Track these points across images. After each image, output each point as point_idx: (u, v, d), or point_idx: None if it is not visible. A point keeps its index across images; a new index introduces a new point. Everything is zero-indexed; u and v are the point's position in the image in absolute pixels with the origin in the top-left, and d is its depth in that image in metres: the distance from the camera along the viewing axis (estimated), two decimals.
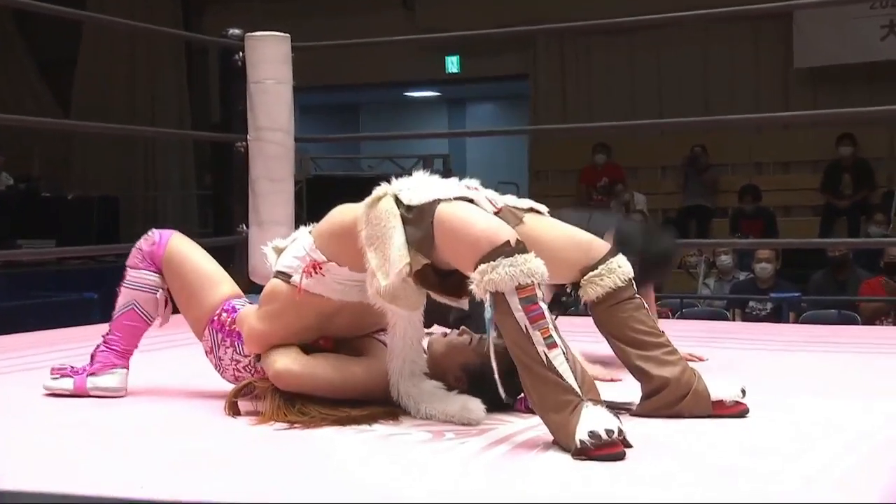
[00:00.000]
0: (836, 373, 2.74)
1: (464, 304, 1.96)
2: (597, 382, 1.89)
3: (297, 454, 1.76)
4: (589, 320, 2.13)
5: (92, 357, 2.28)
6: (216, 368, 2.24)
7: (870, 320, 5.82)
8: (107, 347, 2.28)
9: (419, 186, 1.97)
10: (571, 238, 2.08)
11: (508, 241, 1.80)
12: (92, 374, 2.26)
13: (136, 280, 2.26)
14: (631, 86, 10.28)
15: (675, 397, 2.01)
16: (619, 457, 1.68)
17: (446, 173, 2.28)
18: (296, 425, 1.94)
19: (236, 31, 4.15)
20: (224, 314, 2.20)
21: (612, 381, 2.42)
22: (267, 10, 10.02)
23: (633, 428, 1.90)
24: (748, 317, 6.17)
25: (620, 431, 1.70)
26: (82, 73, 11.66)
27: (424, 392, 1.99)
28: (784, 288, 6.27)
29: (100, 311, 5.98)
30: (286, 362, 2.02)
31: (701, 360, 2.82)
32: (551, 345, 1.76)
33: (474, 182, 2.07)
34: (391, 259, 1.89)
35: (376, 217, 1.93)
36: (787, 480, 1.58)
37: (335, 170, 11.49)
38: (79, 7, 5.81)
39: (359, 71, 10.87)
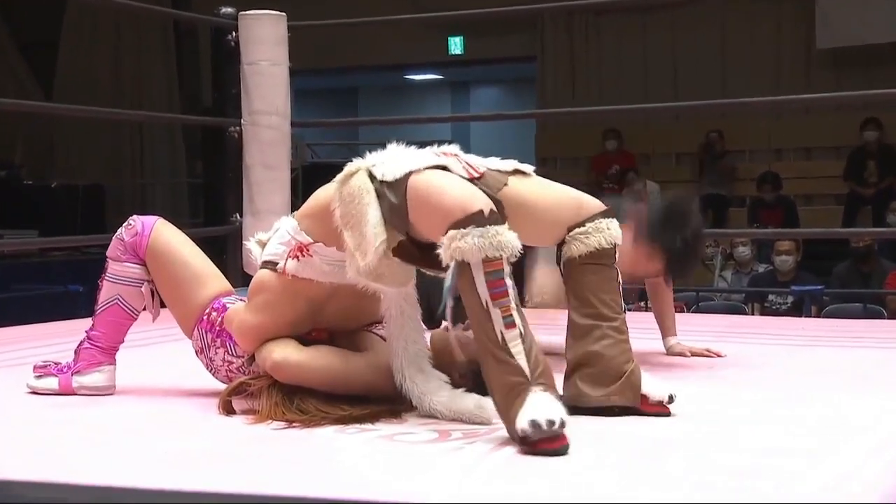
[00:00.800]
0: (861, 369, 2.73)
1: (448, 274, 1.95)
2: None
3: (296, 453, 1.76)
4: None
5: (76, 354, 2.27)
6: (207, 369, 2.23)
7: None
8: (91, 344, 2.27)
9: (392, 159, 1.98)
10: (560, 198, 2.08)
11: (482, 211, 1.80)
12: (77, 372, 2.25)
13: (119, 273, 2.24)
14: (644, 68, 10.27)
15: (606, 378, 1.99)
16: (562, 451, 1.68)
17: None
18: (294, 424, 1.93)
19: (229, 10, 4.14)
20: (213, 313, 2.19)
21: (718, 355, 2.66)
22: None
23: (644, 429, 1.91)
24: (768, 311, 6.17)
25: (563, 423, 1.69)
26: (65, 54, 11.65)
27: (431, 383, 1.99)
28: (805, 280, 6.27)
29: (85, 304, 5.97)
30: (284, 352, 2.02)
31: (719, 355, 2.82)
32: (510, 324, 1.77)
33: (453, 148, 2.07)
34: (367, 237, 1.90)
35: (349, 194, 1.94)
36: (812, 481, 1.57)
37: (332, 157, 11.48)
38: None
39: (357, 52, 10.87)
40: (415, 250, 1.92)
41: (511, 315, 1.78)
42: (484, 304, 1.78)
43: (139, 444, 1.83)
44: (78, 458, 1.73)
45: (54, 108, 8.54)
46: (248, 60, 4.01)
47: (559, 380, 1.95)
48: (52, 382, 2.26)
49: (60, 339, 2.87)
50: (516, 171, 2.07)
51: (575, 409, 1.94)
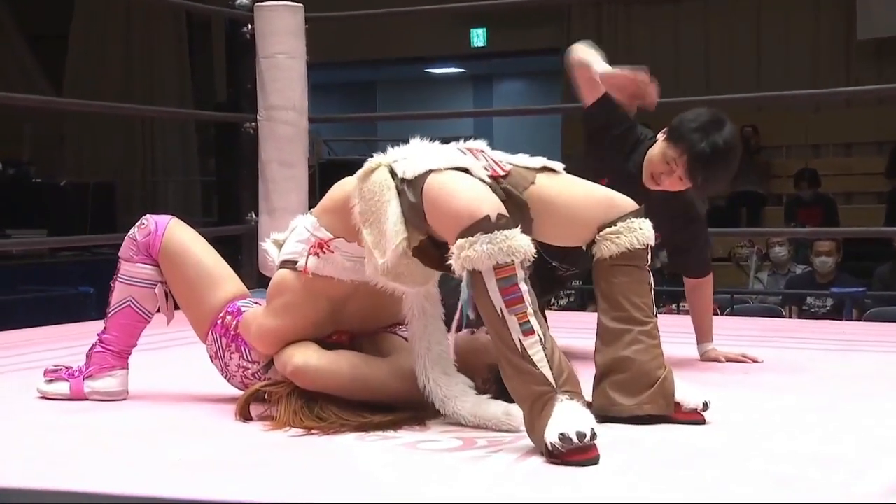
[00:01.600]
0: None
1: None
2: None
3: (314, 461, 1.77)
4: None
5: (87, 358, 2.29)
6: (222, 374, 2.24)
7: None
8: (103, 348, 2.28)
9: (414, 156, 1.98)
10: (589, 196, 2.06)
11: (489, 216, 1.80)
12: (89, 376, 2.27)
13: (131, 274, 2.26)
14: (675, 60, 10.23)
15: (638, 385, 1.99)
16: (593, 462, 1.68)
17: None
18: (313, 431, 1.94)
19: (245, 1, 4.16)
20: (228, 317, 2.20)
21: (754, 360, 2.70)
22: None
23: (678, 437, 1.90)
24: (806, 314, 6.13)
25: (594, 434, 1.69)
26: (75, 48, 11.73)
27: (455, 387, 2.00)
28: (846, 282, 6.23)
29: (96, 306, 6.03)
30: (305, 356, 2.02)
31: (755, 361, 2.81)
32: (528, 331, 1.77)
33: (479, 143, 2.07)
34: (387, 235, 1.91)
35: (370, 191, 1.95)
36: (858, 494, 1.56)
37: (350, 153, 11.51)
38: None
39: (377, 45, 10.89)
40: (435, 252, 1.92)
41: (528, 321, 1.78)
42: (499, 312, 1.78)
43: (153, 450, 1.85)
44: (90, 465, 1.75)
45: (63, 104, 8.59)
46: (264, 54, 4.03)
47: (586, 384, 1.95)
48: (63, 387, 2.28)
49: (71, 342, 2.90)
50: (545, 169, 2.07)
51: (605, 417, 1.94)
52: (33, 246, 7.76)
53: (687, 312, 3.00)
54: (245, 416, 2.05)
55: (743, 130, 9.35)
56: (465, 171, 1.95)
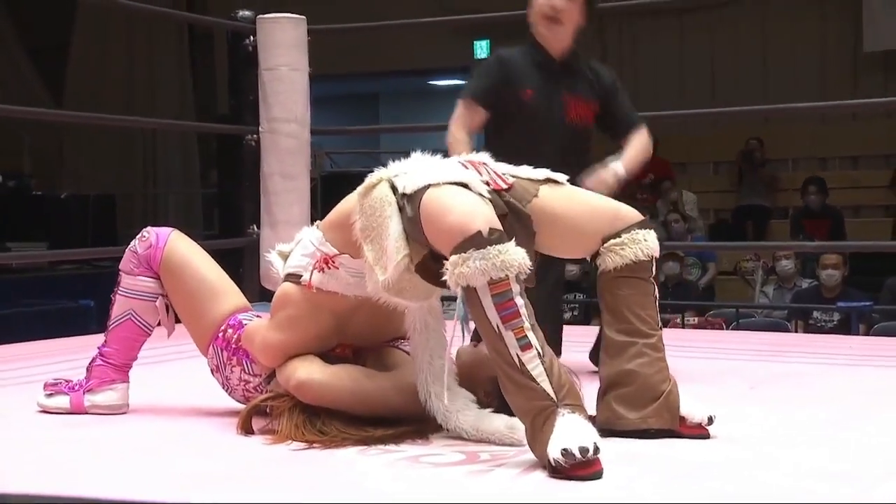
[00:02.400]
0: None
1: None
2: None
3: (316, 475, 1.77)
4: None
5: (88, 371, 2.30)
6: (223, 388, 2.25)
7: None
8: (103, 361, 2.29)
9: (414, 171, 1.99)
10: (593, 208, 2.07)
11: (480, 232, 1.80)
12: (89, 390, 2.27)
13: (132, 287, 2.26)
14: (680, 72, 10.24)
15: (642, 399, 1.99)
16: (597, 476, 1.69)
17: None
18: (315, 445, 1.95)
19: (247, 13, 4.18)
20: (230, 330, 2.21)
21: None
22: None
23: (682, 451, 1.90)
24: (812, 328, 6.12)
25: (597, 448, 1.69)
26: (76, 59, 11.77)
27: (456, 401, 2.00)
28: (853, 296, 6.22)
29: (96, 319, 6.04)
30: (309, 370, 2.03)
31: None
32: (525, 346, 1.78)
33: (482, 156, 2.08)
34: (388, 251, 1.92)
35: (371, 207, 1.96)
36: None
37: (352, 166, 11.53)
38: None
39: (379, 57, 10.91)
40: (435, 268, 1.93)
41: (525, 336, 1.78)
42: (496, 328, 1.78)
43: (153, 464, 1.85)
44: (89, 479, 1.75)
45: (64, 116, 8.61)
46: (266, 66, 4.05)
47: (590, 398, 1.96)
48: (63, 401, 2.28)
49: (71, 355, 2.90)
50: (548, 180, 2.07)
51: (609, 431, 1.95)
52: (33, 259, 7.77)
53: (693, 326, 3.01)
54: (247, 429, 2.06)
55: (748, 143, 9.37)
56: (465, 185, 1.96)
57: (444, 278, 1.85)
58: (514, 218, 1.98)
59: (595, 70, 2.96)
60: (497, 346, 1.80)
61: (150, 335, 2.32)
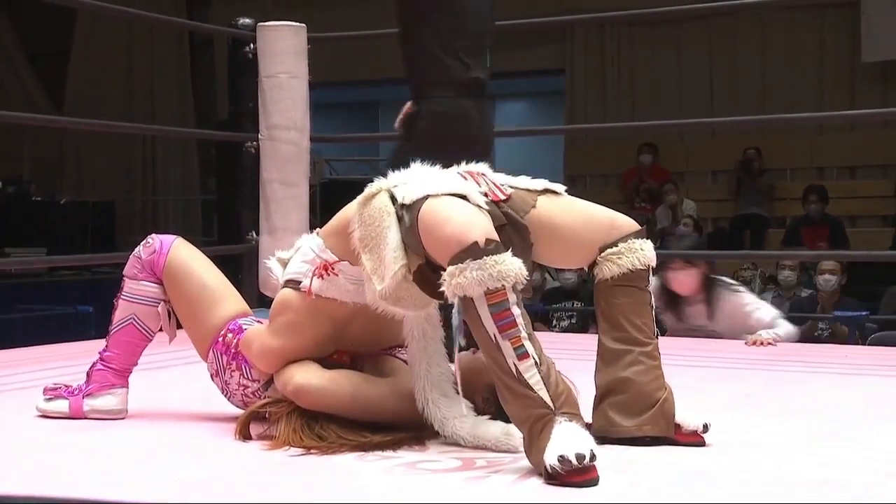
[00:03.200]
0: None
1: None
2: None
3: (313, 481, 1.78)
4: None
5: (88, 376, 2.31)
6: (223, 392, 2.26)
7: None
8: (104, 366, 2.30)
9: (413, 181, 2.00)
10: (591, 217, 2.09)
11: (477, 242, 1.82)
12: (89, 394, 2.28)
13: (135, 292, 2.28)
14: (678, 82, 10.27)
15: (638, 406, 2.00)
16: (593, 483, 1.70)
17: None
18: (312, 451, 1.95)
19: (247, 21, 4.20)
20: (229, 335, 2.22)
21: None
22: None
23: (677, 459, 1.91)
24: (809, 337, 6.12)
25: (593, 455, 1.70)
26: (76, 66, 11.79)
27: (454, 408, 2.01)
28: (849, 306, 6.23)
29: (95, 325, 6.04)
30: (307, 376, 2.04)
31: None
32: (522, 355, 1.79)
33: (481, 167, 2.09)
34: (385, 261, 1.93)
35: (370, 216, 1.98)
36: None
37: (351, 173, 11.54)
38: None
39: (379, 65, 10.91)
40: (434, 278, 1.94)
41: (522, 345, 1.80)
42: (493, 337, 1.80)
43: (151, 469, 1.86)
44: (87, 483, 1.76)
45: (64, 122, 8.63)
46: (266, 73, 4.06)
47: (586, 405, 1.97)
48: (62, 405, 2.29)
49: (70, 361, 2.91)
50: (546, 191, 2.09)
51: (605, 438, 1.96)
52: (33, 264, 7.78)
53: (685, 335, 3.02)
54: (245, 435, 2.07)
55: (746, 152, 9.39)
56: (463, 196, 1.97)
57: (441, 289, 1.86)
58: (512, 228, 1.99)
59: None
60: (494, 356, 1.81)
61: (150, 341, 2.33)
